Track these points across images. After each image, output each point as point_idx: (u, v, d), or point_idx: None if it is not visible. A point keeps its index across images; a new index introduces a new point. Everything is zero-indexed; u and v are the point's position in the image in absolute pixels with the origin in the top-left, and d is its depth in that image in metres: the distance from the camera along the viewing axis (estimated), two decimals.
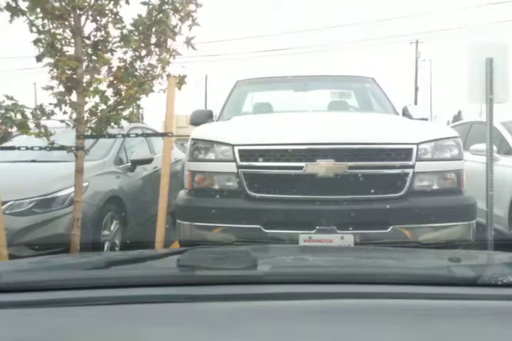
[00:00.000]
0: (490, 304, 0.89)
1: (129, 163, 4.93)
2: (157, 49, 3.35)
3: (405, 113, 4.54)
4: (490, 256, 1.64)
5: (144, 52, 3.35)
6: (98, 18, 3.23)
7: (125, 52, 3.34)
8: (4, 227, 3.14)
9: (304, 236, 3.00)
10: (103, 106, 3.35)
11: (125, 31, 3.29)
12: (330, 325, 0.80)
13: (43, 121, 3.26)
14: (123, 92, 3.32)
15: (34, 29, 3.17)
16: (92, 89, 3.27)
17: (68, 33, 3.23)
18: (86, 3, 3.15)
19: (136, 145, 5.40)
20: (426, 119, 4.57)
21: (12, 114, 3.08)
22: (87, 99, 3.30)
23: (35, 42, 3.18)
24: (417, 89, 33.34)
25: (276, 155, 3.15)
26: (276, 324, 0.80)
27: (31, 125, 3.20)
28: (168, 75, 3.41)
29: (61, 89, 3.21)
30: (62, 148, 3.31)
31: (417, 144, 3.14)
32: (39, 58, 3.18)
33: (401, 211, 3.06)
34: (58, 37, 3.20)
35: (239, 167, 3.17)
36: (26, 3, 3.06)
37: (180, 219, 3.25)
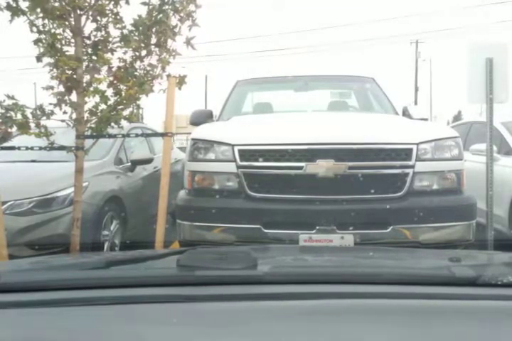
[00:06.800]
0: (490, 304, 0.89)
1: (129, 163, 4.92)
2: (157, 49, 3.35)
3: (405, 113, 4.54)
4: (490, 256, 1.64)
5: (144, 53, 3.35)
6: (98, 18, 3.23)
7: (125, 52, 3.34)
8: (4, 227, 3.14)
9: (304, 236, 3.00)
10: (103, 106, 3.34)
11: (125, 31, 3.29)
12: (330, 325, 0.80)
13: (43, 121, 3.26)
14: (123, 92, 3.31)
15: (34, 29, 3.16)
16: (92, 89, 3.27)
17: (68, 33, 3.23)
18: (86, 3, 3.15)
19: (136, 145, 5.40)
20: (426, 119, 4.57)
21: (12, 113, 3.08)
22: (87, 99, 3.30)
23: (36, 42, 3.18)
24: (417, 89, 33.34)
25: (276, 155, 3.15)
26: (276, 324, 0.80)
27: (31, 125, 3.20)
28: (168, 75, 3.41)
29: (61, 89, 3.21)
30: (62, 148, 3.31)
31: (417, 144, 3.14)
32: (39, 58, 3.17)
33: (401, 211, 3.06)
34: (58, 37, 3.20)
35: (239, 167, 3.17)
36: (26, 3, 3.06)
37: (180, 219, 3.25)
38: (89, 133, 3.37)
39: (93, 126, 3.36)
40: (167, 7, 3.28)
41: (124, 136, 4.09)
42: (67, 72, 3.16)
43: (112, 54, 3.33)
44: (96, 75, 3.24)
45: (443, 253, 1.66)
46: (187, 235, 3.20)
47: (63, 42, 3.23)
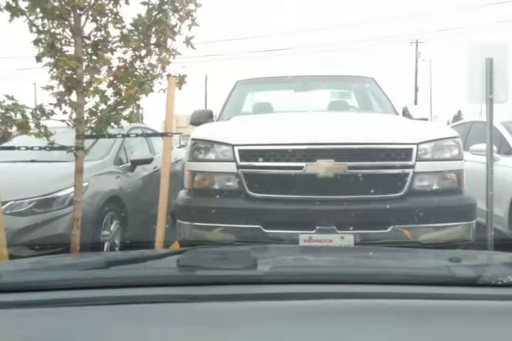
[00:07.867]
0: (490, 304, 0.89)
1: (129, 163, 4.92)
2: (157, 49, 3.35)
3: (405, 113, 4.54)
4: (490, 256, 1.64)
5: (143, 52, 3.35)
6: (98, 17, 3.22)
7: (125, 52, 3.34)
8: (4, 227, 3.14)
9: (304, 236, 3.00)
10: (103, 106, 3.34)
11: (125, 31, 3.29)
12: (329, 325, 0.80)
13: (43, 121, 3.26)
14: (123, 92, 3.31)
15: (34, 29, 3.16)
16: (92, 89, 3.27)
17: (68, 33, 3.22)
18: (86, 3, 3.15)
19: (136, 145, 5.40)
20: (426, 119, 4.56)
21: (12, 113, 3.08)
22: (87, 99, 3.30)
23: (35, 42, 3.18)
24: (417, 89, 33.36)
25: (276, 155, 3.15)
26: (276, 324, 0.80)
27: (31, 125, 3.20)
28: (168, 75, 3.40)
29: (61, 89, 3.21)
30: (62, 148, 3.31)
31: (417, 144, 3.14)
32: (39, 58, 3.17)
33: (401, 211, 3.06)
34: (58, 37, 3.20)
35: (239, 167, 3.17)
36: (26, 3, 3.06)
37: (180, 219, 3.25)
38: (89, 133, 3.37)
39: (93, 126, 3.36)
40: (167, 6, 3.27)
41: (124, 136, 4.09)
42: (67, 72, 3.16)
43: (112, 54, 3.33)
44: (96, 75, 3.24)
45: (443, 253, 1.66)
46: (187, 235, 3.20)
47: (63, 42, 3.23)
